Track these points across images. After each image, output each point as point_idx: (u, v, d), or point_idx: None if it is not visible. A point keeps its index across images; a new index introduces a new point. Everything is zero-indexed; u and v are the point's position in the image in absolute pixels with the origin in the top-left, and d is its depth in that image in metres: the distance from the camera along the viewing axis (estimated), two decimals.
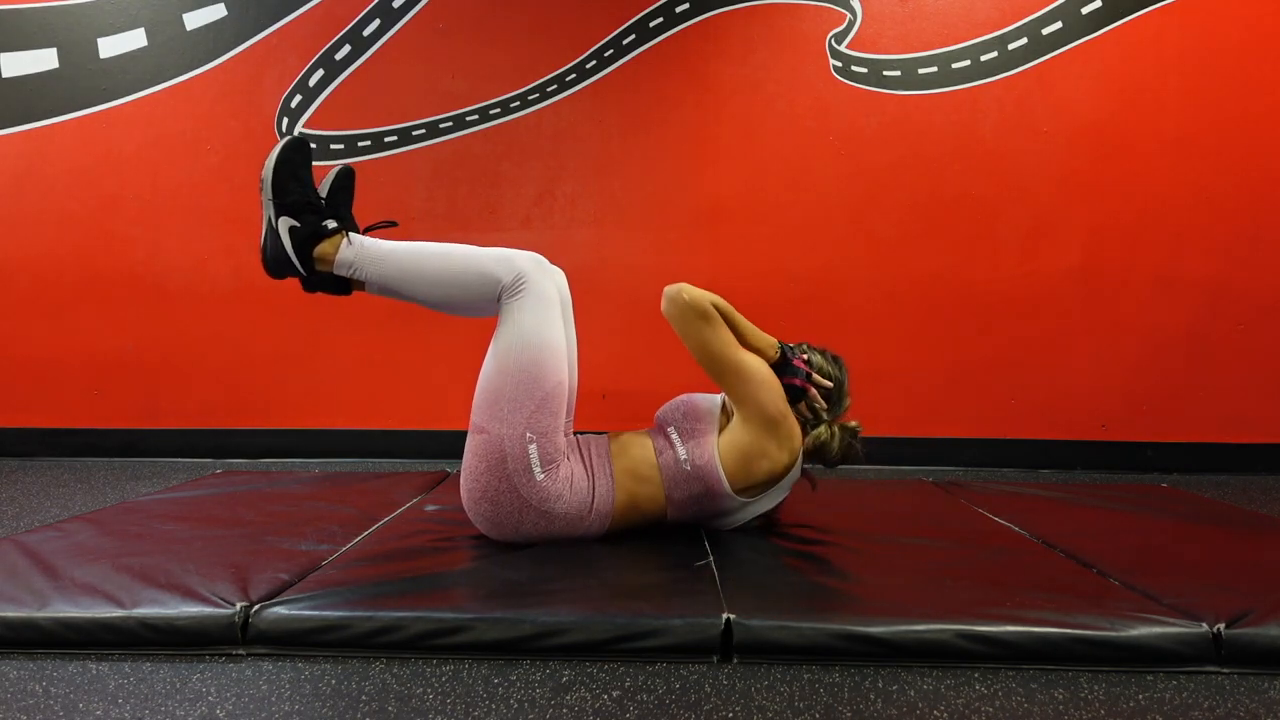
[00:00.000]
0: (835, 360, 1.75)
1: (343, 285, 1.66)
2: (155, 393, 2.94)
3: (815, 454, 1.70)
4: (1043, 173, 2.73)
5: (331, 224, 1.59)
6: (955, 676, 1.17)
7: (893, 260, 2.78)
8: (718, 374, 1.61)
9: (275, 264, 1.59)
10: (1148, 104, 2.70)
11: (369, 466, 2.79)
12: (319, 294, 1.74)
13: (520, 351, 1.56)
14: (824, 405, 1.69)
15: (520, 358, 1.55)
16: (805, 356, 1.71)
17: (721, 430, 1.63)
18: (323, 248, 1.59)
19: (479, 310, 1.67)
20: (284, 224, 1.57)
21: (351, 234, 1.61)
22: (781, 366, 1.65)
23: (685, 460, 1.59)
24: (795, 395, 1.65)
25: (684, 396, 1.72)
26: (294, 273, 1.61)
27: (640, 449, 1.63)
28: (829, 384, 1.69)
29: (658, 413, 1.72)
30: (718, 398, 1.70)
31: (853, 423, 1.73)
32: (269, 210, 1.57)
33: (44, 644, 1.24)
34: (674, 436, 1.62)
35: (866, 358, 2.86)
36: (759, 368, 1.61)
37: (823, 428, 1.68)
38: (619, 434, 1.68)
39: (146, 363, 2.93)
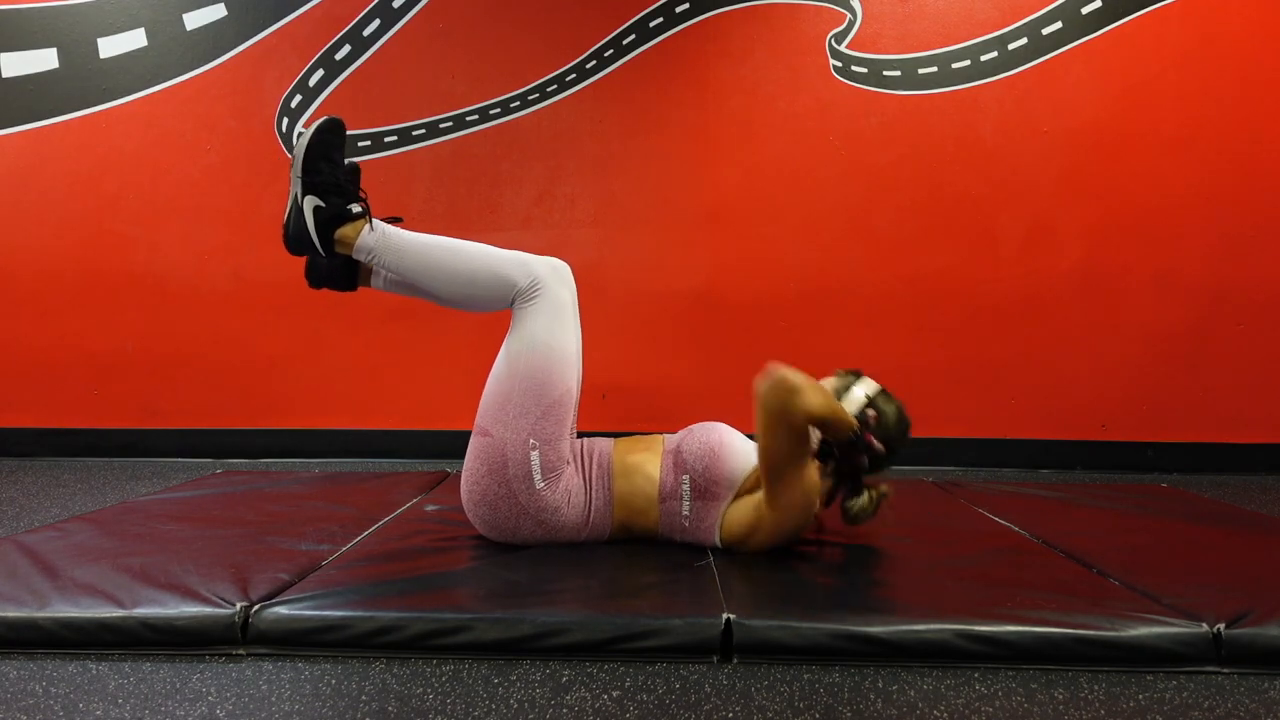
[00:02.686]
0: (904, 421, 1.60)
1: (348, 280, 1.65)
2: (155, 393, 2.94)
3: (847, 519, 1.62)
4: (1043, 173, 2.73)
5: (356, 208, 1.58)
6: (955, 676, 1.17)
7: (893, 260, 2.78)
8: (769, 476, 1.45)
9: (296, 241, 1.58)
10: (1148, 104, 2.70)
11: (369, 466, 2.79)
12: (320, 292, 1.74)
13: (530, 357, 1.54)
14: (866, 467, 1.56)
15: (530, 363, 1.54)
16: (875, 413, 1.55)
17: (738, 495, 1.54)
18: (344, 230, 1.57)
19: (487, 309, 1.65)
20: (309, 202, 1.55)
21: (374, 220, 1.59)
22: (850, 445, 1.52)
23: (686, 516, 1.56)
24: (847, 463, 1.55)
25: (715, 441, 1.56)
26: (312, 252, 1.59)
27: (644, 480, 1.57)
28: (882, 450, 1.54)
29: (684, 441, 1.59)
30: (751, 456, 1.55)
31: (885, 487, 1.63)
32: (296, 187, 1.56)
33: (44, 644, 1.24)
34: (685, 487, 1.55)
35: (866, 358, 2.85)
36: (810, 487, 1.47)
37: (865, 499, 1.60)
38: (627, 448, 1.63)
39: (146, 363, 2.93)
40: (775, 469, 1.45)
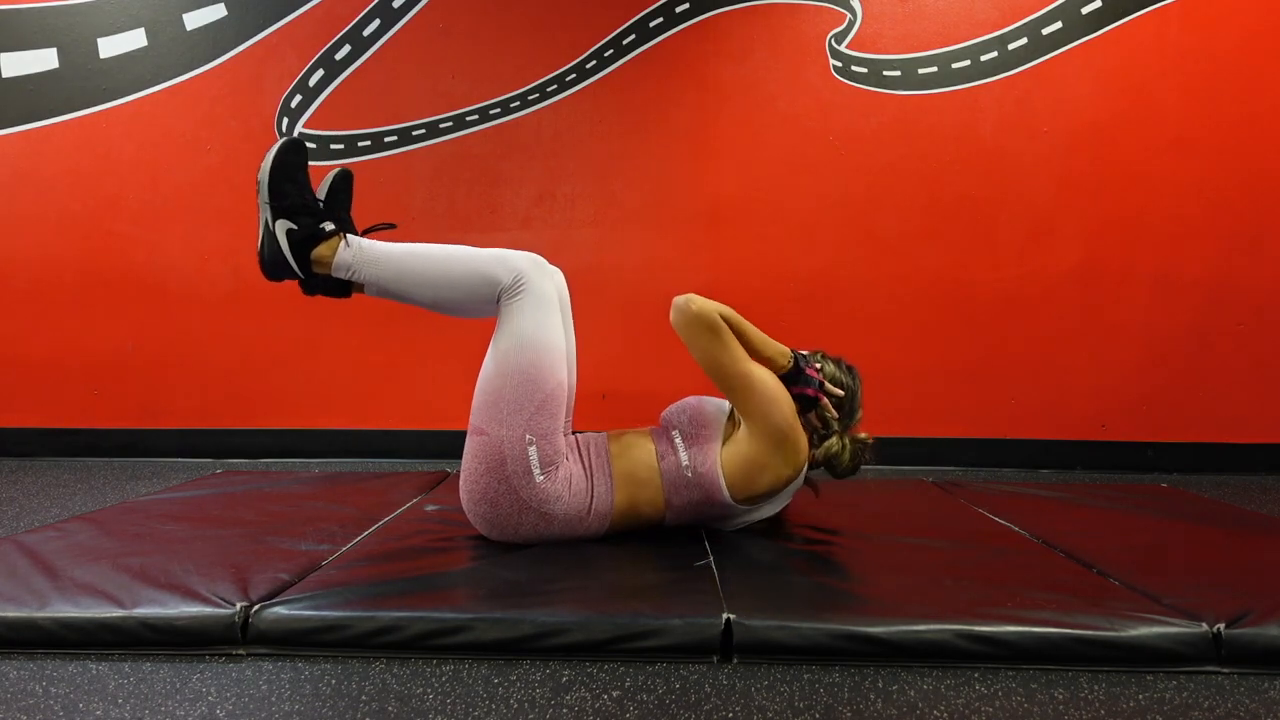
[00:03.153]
0: (850, 370, 1.72)
1: (342, 288, 1.66)
2: (155, 393, 2.94)
3: (826, 465, 1.68)
4: (1042, 173, 2.73)
5: (329, 226, 1.58)
6: (955, 676, 1.17)
7: (893, 260, 2.78)
8: (725, 387, 1.58)
9: (273, 267, 1.58)
10: (1148, 104, 2.70)
11: (369, 466, 2.79)
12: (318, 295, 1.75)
13: (519, 353, 1.55)
14: (835, 415, 1.66)
15: (519, 359, 1.55)
16: (819, 366, 1.68)
17: (727, 438, 1.61)
18: (320, 250, 1.58)
19: (478, 312, 1.67)
20: (281, 226, 1.56)
21: (349, 236, 1.60)
22: (793, 376, 1.63)
23: (687, 466, 1.58)
24: (806, 405, 1.64)
25: (692, 399, 1.69)
26: (291, 275, 1.60)
27: (641, 451, 1.61)
28: (840, 393, 1.67)
29: (664, 413, 1.70)
30: (726, 404, 1.68)
31: (864, 434, 1.71)
32: (265, 213, 1.56)
33: (44, 644, 1.24)
34: (678, 441, 1.61)
35: (866, 358, 2.85)
36: (767, 381, 1.58)
37: (834, 439, 1.66)
38: (619, 434, 1.67)
39: (146, 363, 2.93)
40: (722, 373, 1.57)
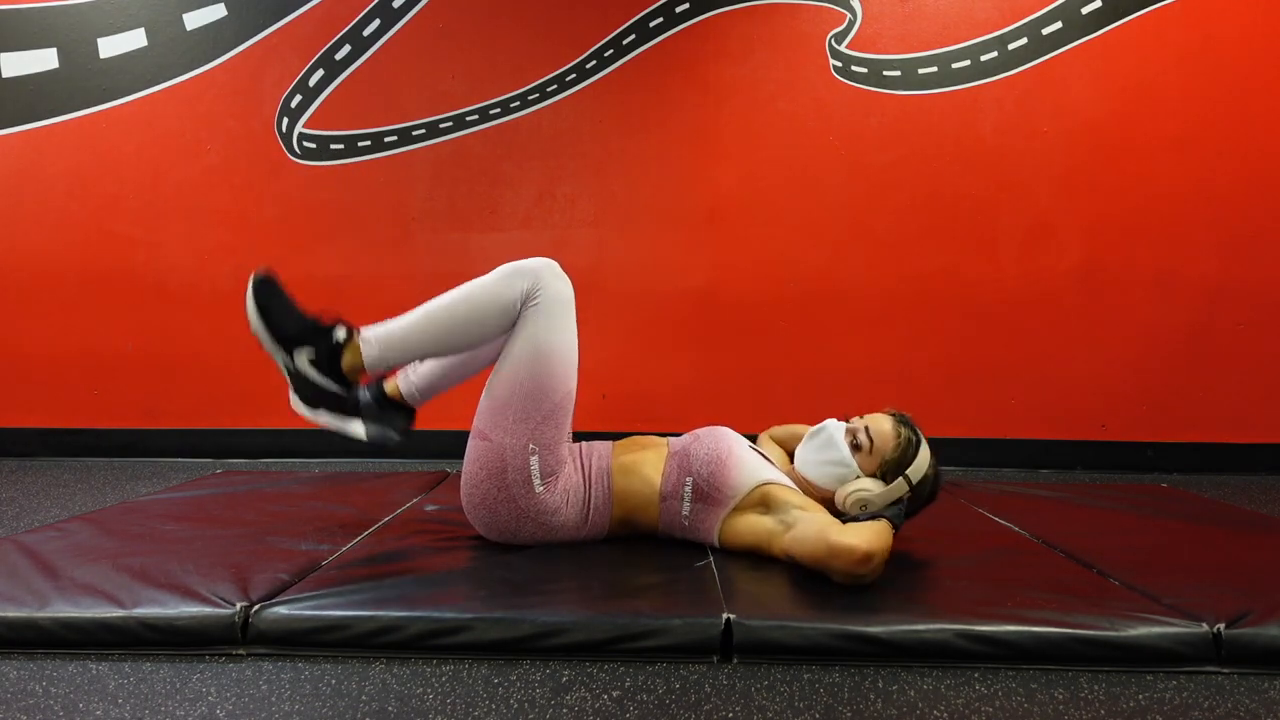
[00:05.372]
0: (936, 492, 1.59)
1: (394, 406, 1.63)
2: (155, 393, 2.94)
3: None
4: (1043, 173, 2.73)
5: (340, 332, 1.50)
6: (955, 676, 1.17)
7: (893, 260, 2.78)
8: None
9: (317, 399, 1.52)
10: (1148, 103, 2.69)
11: (369, 466, 2.79)
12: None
13: (533, 360, 1.52)
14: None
15: (532, 367, 1.52)
16: (911, 494, 1.53)
17: (739, 509, 1.52)
18: (347, 360, 1.50)
19: (506, 330, 1.57)
20: (302, 358, 1.50)
21: (362, 331, 1.52)
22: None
23: (686, 516, 1.57)
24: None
25: (725, 450, 1.55)
26: (337, 400, 1.53)
27: (644, 482, 1.58)
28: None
29: (691, 445, 1.59)
30: (757, 471, 1.53)
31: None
32: (279, 356, 1.50)
33: (44, 644, 1.24)
34: (687, 490, 1.55)
35: (866, 357, 2.87)
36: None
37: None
38: (626, 448, 1.64)
39: (146, 363, 2.93)
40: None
